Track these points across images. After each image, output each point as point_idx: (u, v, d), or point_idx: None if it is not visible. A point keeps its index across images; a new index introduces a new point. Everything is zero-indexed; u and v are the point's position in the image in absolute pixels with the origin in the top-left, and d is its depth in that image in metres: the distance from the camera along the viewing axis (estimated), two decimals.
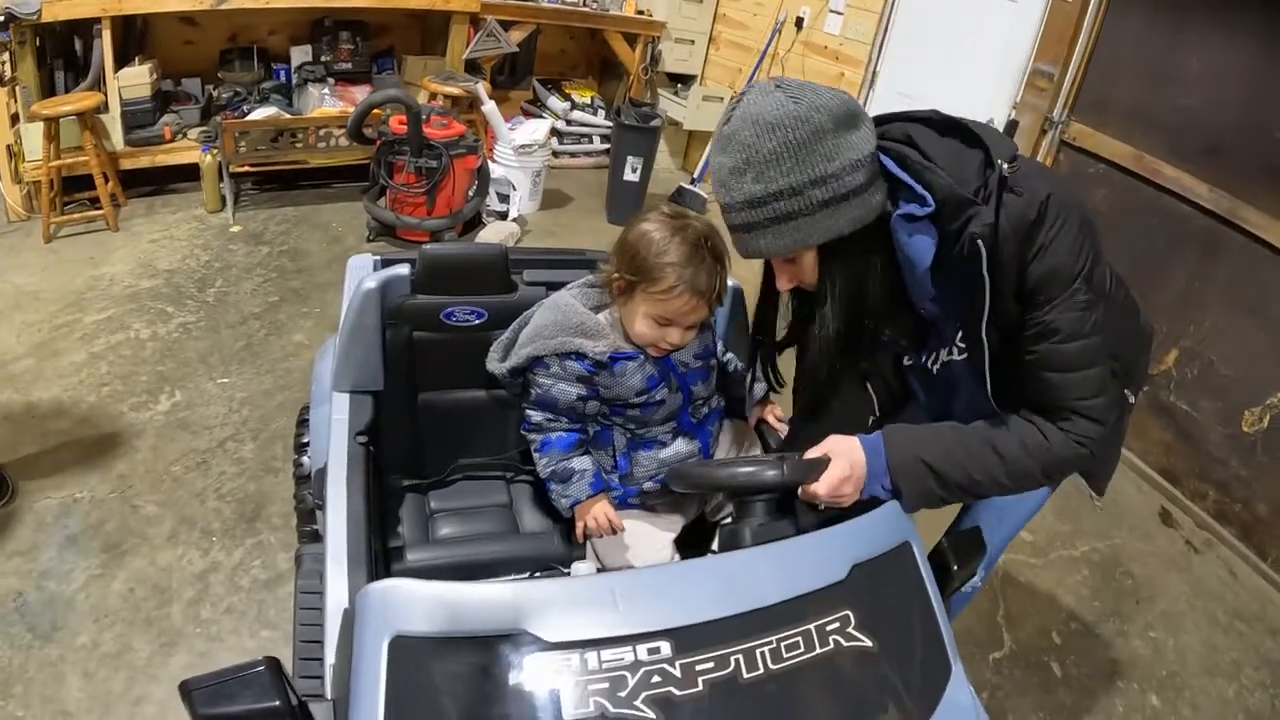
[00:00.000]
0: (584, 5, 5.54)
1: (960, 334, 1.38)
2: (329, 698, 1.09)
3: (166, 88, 4.78)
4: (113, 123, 4.42)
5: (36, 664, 2.13)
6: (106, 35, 4.27)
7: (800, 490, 1.35)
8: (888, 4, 4.93)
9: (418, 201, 4.22)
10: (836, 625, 1.14)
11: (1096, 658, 2.66)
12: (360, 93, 5.01)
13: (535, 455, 1.72)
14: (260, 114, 4.61)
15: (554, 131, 5.67)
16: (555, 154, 5.60)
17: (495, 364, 1.74)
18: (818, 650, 1.11)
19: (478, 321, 1.84)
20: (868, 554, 1.23)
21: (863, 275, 1.33)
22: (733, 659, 1.06)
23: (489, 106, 4.67)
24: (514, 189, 4.78)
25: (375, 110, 4.17)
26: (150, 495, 2.65)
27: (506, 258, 1.86)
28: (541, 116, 5.66)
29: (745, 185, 1.23)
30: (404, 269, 1.81)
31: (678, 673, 1.03)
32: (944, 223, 1.26)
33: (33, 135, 4.11)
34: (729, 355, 1.91)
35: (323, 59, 5.03)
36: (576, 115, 5.82)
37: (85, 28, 4.32)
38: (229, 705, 0.94)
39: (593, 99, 5.95)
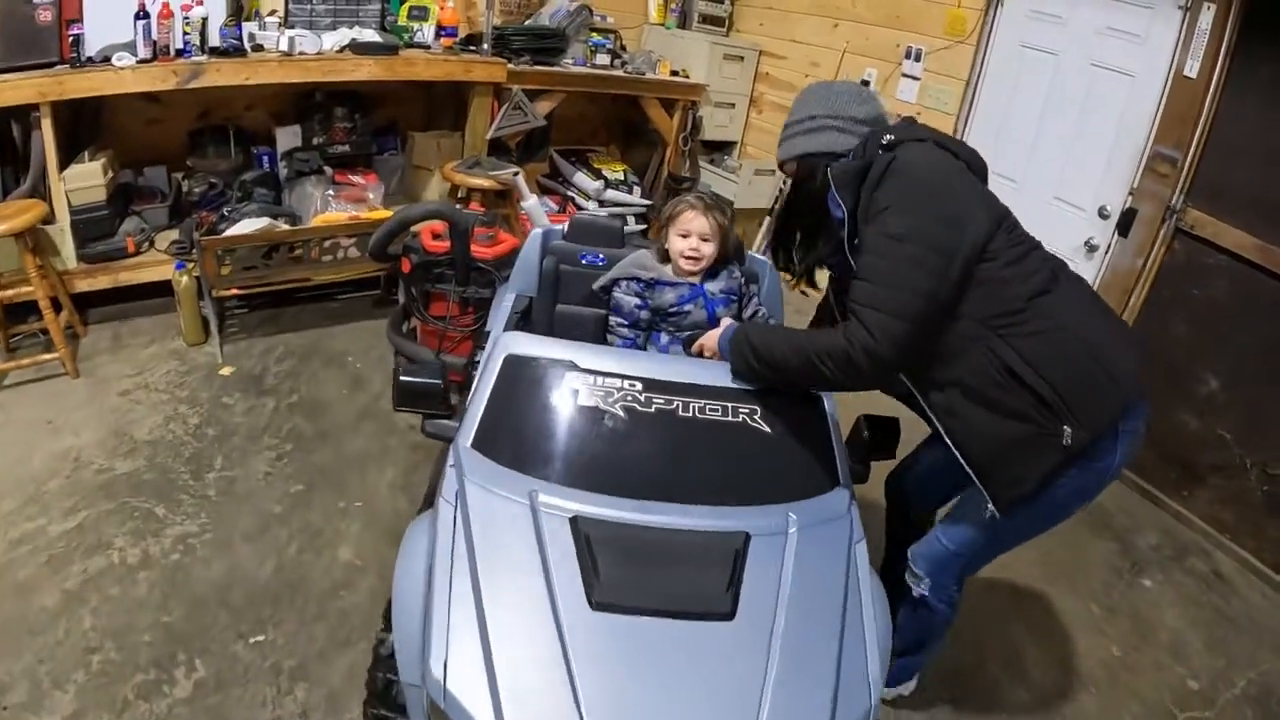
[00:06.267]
0: (616, 68, 4.78)
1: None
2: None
3: (126, 179, 3.88)
4: (61, 235, 3.53)
5: None
6: (47, 125, 3.38)
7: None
8: (976, 71, 4.30)
9: (465, 336, 3.40)
10: (746, 411, 1.90)
11: None
12: (362, 181, 4.17)
13: None
14: (247, 224, 3.70)
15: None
16: None
17: (597, 285, 2.50)
18: (729, 418, 1.88)
19: (600, 263, 2.60)
20: None
21: (812, 186, 1.96)
22: (675, 402, 1.88)
23: (531, 203, 3.87)
24: None
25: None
26: None
27: (623, 227, 2.72)
28: (567, 195, 4.91)
29: (787, 119, 2.01)
30: (560, 227, 2.68)
31: (642, 399, 1.87)
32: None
33: None
34: (762, 309, 2.50)
35: (315, 141, 4.16)
36: (610, 195, 5.04)
37: (25, 113, 3.42)
38: (414, 378, 1.97)
39: (625, 174, 5.18)
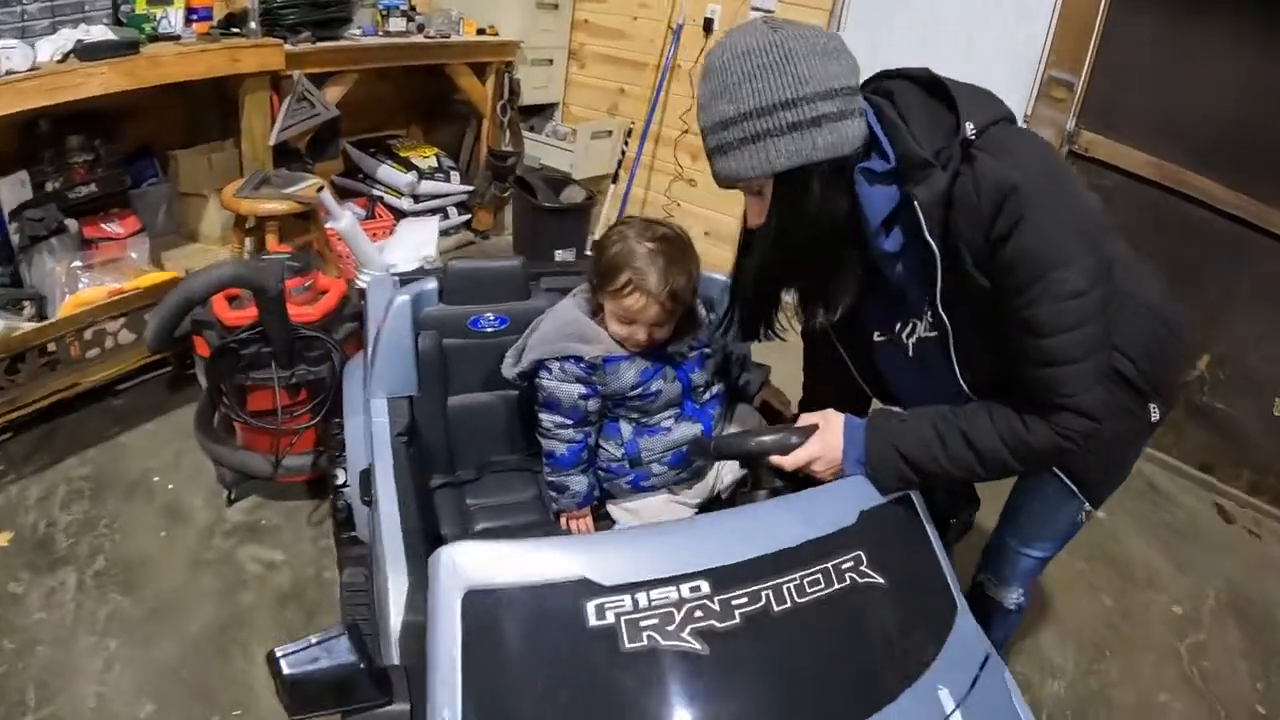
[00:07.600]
0: (414, 34, 3.93)
1: (928, 308, 1.40)
2: (398, 663, 1.26)
3: None
4: None
5: None
6: None
7: (772, 458, 1.46)
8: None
9: (301, 427, 2.60)
10: (850, 564, 1.28)
11: None
12: (119, 230, 3.21)
13: (544, 462, 1.90)
14: None
15: (397, 213, 4.15)
16: None
17: (508, 369, 1.85)
18: (835, 586, 1.25)
19: (502, 327, 2.01)
20: (873, 502, 1.39)
21: (813, 214, 1.30)
22: (764, 594, 1.19)
23: (346, 222, 3.07)
24: None
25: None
26: None
27: (525, 268, 2.06)
28: (373, 195, 4.11)
29: (719, 106, 1.24)
30: (432, 282, 1.99)
31: (717, 608, 1.16)
32: (904, 182, 1.28)
33: None
34: (734, 353, 2.01)
35: (50, 188, 3.11)
36: (426, 186, 4.24)
37: None
38: (312, 666, 1.05)
39: (438, 159, 4.37)
